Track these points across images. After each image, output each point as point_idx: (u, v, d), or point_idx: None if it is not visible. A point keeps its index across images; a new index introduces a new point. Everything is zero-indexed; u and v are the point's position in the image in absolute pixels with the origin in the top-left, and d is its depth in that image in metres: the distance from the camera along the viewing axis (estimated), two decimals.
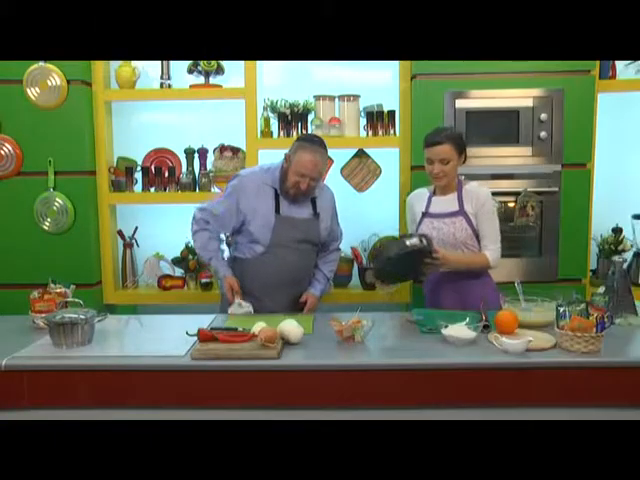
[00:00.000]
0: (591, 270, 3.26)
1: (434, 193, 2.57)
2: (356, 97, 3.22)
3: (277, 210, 2.48)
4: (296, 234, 2.51)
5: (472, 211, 2.48)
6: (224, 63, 3.28)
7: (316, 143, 2.46)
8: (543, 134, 3.02)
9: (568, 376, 1.88)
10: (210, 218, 2.56)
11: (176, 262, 3.36)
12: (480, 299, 2.29)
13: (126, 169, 3.27)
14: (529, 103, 3.02)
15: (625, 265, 2.41)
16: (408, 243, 2.24)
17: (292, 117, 3.19)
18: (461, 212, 2.48)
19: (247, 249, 2.54)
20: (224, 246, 2.89)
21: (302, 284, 2.62)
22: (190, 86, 3.26)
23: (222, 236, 2.86)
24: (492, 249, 2.47)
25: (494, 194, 3.02)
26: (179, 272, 3.39)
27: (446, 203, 2.51)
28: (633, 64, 3.14)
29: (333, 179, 3.30)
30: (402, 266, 2.28)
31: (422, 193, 2.61)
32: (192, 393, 1.90)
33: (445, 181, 2.47)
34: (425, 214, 2.53)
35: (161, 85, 3.29)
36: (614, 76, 3.16)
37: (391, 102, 3.21)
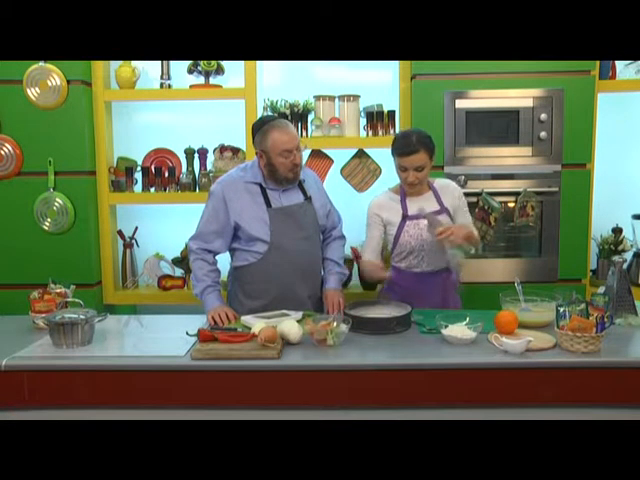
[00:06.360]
0: (591, 270, 3.26)
1: (405, 195, 2.51)
2: (356, 97, 3.22)
3: (268, 204, 2.42)
4: (294, 222, 2.43)
5: (450, 207, 2.49)
6: (224, 63, 3.28)
7: (275, 119, 2.43)
8: (543, 134, 3.02)
9: (568, 376, 1.88)
10: (204, 242, 2.45)
11: (176, 262, 3.36)
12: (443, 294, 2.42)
13: (126, 169, 3.27)
14: (529, 103, 3.02)
15: (625, 265, 2.40)
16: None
17: (292, 117, 3.18)
18: (443, 209, 2.48)
19: (248, 253, 2.44)
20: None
21: (317, 274, 2.55)
22: (190, 86, 3.26)
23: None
24: None
25: (494, 194, 3.06)
26: (179, 272, 3.39)
27: (425, 203, 2.47)
28: (633, 64, 3.14)
29: (333, 179, 3.30)
30: None
31: (390, 197, 2.54)
32: (192, 393, 1.90)
33: (419, 187, 2.46)
34: (406, 217, 2.47)
35: (161, 85, 3.29)
36: (614, 76, 3.16)
37: (391, 102, 3.21)
